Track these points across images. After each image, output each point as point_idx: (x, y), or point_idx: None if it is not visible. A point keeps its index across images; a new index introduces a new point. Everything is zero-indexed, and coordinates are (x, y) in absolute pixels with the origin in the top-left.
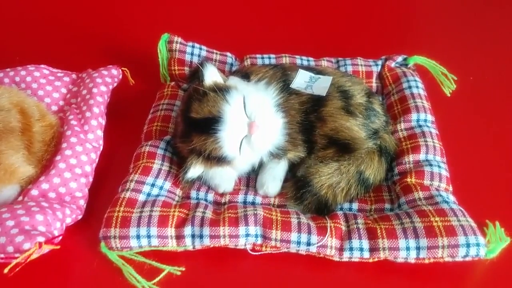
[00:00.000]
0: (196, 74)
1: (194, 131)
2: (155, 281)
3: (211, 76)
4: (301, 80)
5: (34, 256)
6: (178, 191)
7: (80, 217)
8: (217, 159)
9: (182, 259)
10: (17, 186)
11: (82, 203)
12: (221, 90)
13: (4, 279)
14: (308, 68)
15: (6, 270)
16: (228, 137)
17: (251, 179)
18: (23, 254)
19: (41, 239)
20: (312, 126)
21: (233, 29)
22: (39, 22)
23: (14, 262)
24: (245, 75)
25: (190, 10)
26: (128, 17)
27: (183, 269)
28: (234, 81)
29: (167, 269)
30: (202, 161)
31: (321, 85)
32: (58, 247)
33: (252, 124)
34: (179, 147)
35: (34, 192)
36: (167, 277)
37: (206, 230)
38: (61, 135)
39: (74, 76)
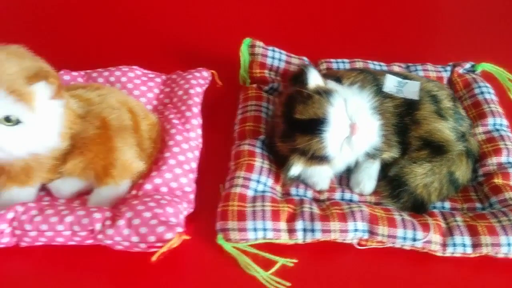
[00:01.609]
0: (299, 77)
1: (298, 131)
2: (271, 271)
3: (315, 79)
4: (390, 85)
5: (175, 245)
6: (278, 188)
7: (191, 210)
8: (319, 159)
9: (290, 251)
10: (130, 180)
11: (192, 197)
12: (325, 93)
13: (133, 267)
14: (393, 73)
15: (154, 258)
16: (332, 138)
17: (343, 178)
18: (164, 243)
19: (179, 229)
20: (406, 128)
21: (304, 34)
22: (115, 25)
23: (160, 251)
24: (336, 79)
25: (260, 16)
26: (202, 22)
27: (296, 261)
28: (332, 84)
29: (281, 261)
30: (304, 160)
31: (411, 90)
32: (189, 237)
33: (354, 126)
34: (278, 147)
35: (148, 186)
36: (279, 268)
37: (318, 225)
38: (163, 133)
39: (164, 77)
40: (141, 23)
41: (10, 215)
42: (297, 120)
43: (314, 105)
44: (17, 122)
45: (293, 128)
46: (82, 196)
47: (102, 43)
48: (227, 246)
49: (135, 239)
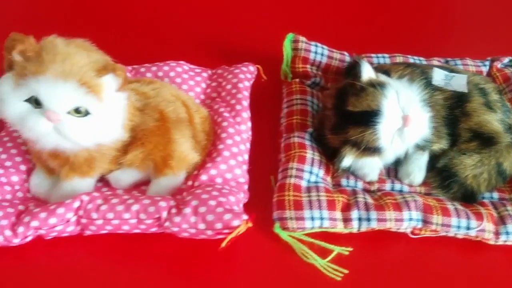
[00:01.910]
0: (352, 70)
1: (350, 123)
2: (328, 259)
3: (367, 72)
4: (438, 78)
5: (241, 232)
6: (329, 179)
7: (246, 200)
8: (371, 150)
9: (343, 240)
10: (185, 172)
11: (246, 188)
12: (378, 85)
13: (193, 254)
14: (439, 67)
15: (223, 244)
16: (385, 129)
17: (390, 169)
18: (231, 230)
19: (245, 217)
20: (456, 120)
21: (344, 29)
22: (158, 20)
23: (229, 237)
24: (384, 72)
25: (298, 11)
26: (243, 18)
27: (351, 249)
28: (382, 77)
29: (337, 249)
30: (355, 151)
31: (459, 83)
32: (251, 225)
33: (406, 118)
34: (328, 139)
35: (204, 177)
36: (334, 256)
37: (373, 214)
38: (214, 125)
39: (209, 72)
40: (183, 18)
41: (76, 204)
42: (350, 112)
43: (367, 97)
44: (86, 113)
45: (345, 120)
46: (138, 187)
47: (146, 38)
48: (284, 235)
49: (201, 226)
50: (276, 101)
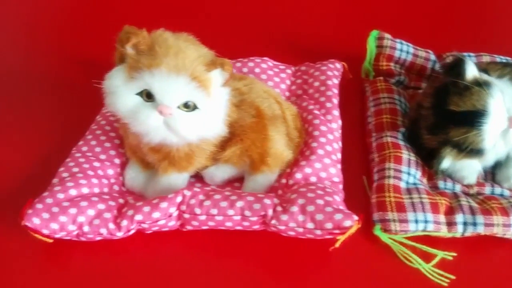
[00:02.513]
0: (454, 68)
1: (452, 124)
2: (432, 263)
3: (472, 71)
4: None
5: (352, 232)
6: (425, 181)
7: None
8: (473, 152)
9: (443, 244)
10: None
11: (341, 187)
12: (485, 84)
13: (291, 253)
14: None
15: (337, 244)
16: (491, 131)
17: (487, 172)
18: (341, 230)
19: (355, 217)
20: None
21: (427, 27)
22: (239, 16)
23: (342, 238)
24: (482, 71)
25: (378, 9)
26: (320, 16)
27: (455, 254)
28: (485, 76)
29: (440, 254)
30: (456, 153)
31: None
32: (360, 225)
33: None
34: (425, 139)
35: (298, 175)
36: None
37: (480, 218)
38: (304, 123)
39: (293, 68)
40: (263, 13)
41: (179, 199)
42: (452, 112)
43: (472, 96)
44: (194, 108)
45: (446, 120)
46: (231, 183)
47: (227, 34)
48: (384, 237)
49: (310, 225)
50: (356, 99)
